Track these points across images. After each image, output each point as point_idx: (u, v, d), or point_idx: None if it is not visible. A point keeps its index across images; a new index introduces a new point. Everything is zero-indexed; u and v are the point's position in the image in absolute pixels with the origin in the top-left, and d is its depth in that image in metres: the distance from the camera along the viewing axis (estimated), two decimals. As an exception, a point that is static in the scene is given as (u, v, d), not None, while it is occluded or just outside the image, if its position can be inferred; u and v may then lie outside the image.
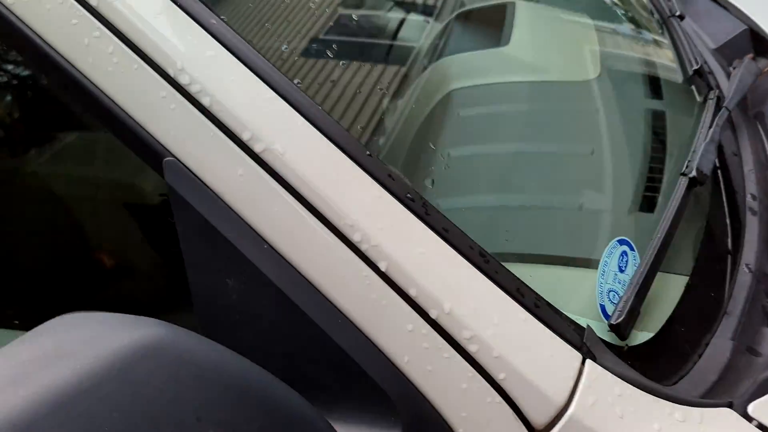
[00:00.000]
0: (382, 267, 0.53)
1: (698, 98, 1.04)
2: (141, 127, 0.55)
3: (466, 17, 1.22)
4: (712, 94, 0.99)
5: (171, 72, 0.54)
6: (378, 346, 0.54)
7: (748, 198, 0.87)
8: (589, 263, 0.74)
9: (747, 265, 0.76)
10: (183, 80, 0.54)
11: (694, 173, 0.78)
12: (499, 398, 0.54)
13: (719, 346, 0.65)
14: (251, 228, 0.54)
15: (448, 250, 0.56)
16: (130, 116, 0.55)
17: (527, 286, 0.58)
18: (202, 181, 0.54)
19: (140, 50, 0.54)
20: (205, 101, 0.54)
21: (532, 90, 1.07)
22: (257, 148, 0.53)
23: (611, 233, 0.79)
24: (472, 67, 1.13)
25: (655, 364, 0.61)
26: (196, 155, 0.54)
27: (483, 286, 0.55)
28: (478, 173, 0.88)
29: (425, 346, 0.54)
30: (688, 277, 0.73)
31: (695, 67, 1.07)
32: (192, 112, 0.54)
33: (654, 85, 1.11)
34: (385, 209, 0.55)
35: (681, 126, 1.02)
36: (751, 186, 0.88)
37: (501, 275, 0.56)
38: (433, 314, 0.53)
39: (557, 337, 0.55)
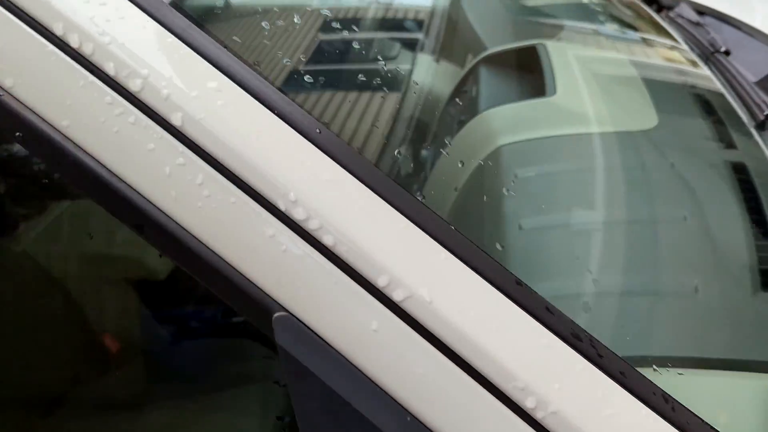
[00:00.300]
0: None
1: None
2: (243, 277, 0.43)
3: (494, 62, 1.12)
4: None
5: (282, 206, 0.42)
6: None
7: None
8: (729, 363, 0.64)
9: None
10: (297, 215, 0.42)
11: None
12: None
13: None
14: (392, 398, 0.43)
15: (629, 398, 0.45)
16: (227, 262, 0.43)
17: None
18: (324, 340, 0.43)
19: (240, 179, 0.42)
20: (327, 240, 0.42)
21: (598, 143, 0.97)
22: (397, 296, 0.42)
23: (739, 318, 0.69)
24: (520, 120, 1.03)
25: None
26: (316, 307, 0.42)
27: None
28: (566, 252, 0.78)
29: None
30: None
31: (766, 112, 0.99)
32: (310, 254, 0.42)
33: (721, 131, 1.03)
34: (553, 357, 0.44)
35: (764, 178, 0.93)
36: None
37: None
38: None
39: None
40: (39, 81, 0.42)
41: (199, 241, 0.43)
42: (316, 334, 0.43)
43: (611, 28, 1.33)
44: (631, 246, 0.78)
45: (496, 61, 1.13)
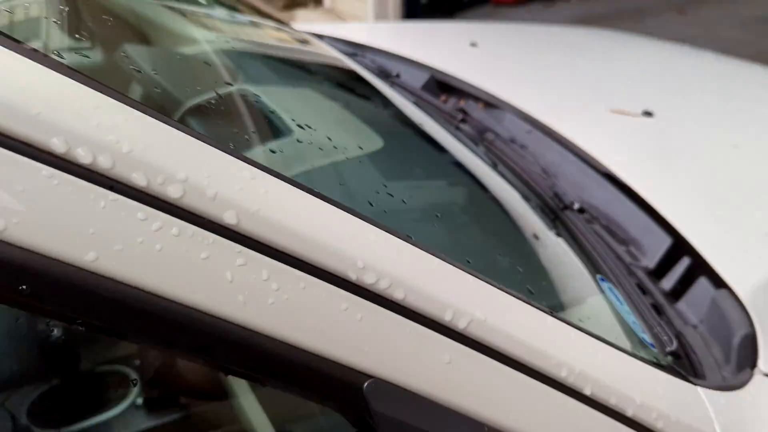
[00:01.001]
0: (587, 392, 0.52)
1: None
2: (328, 360, 0.41)
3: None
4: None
5: (352, 275, 0.42)
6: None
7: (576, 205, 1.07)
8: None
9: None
10: (369, 280, 0.42)
11: (577, 206, 0.94)
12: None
13: (690, 334, 0.82)
14: (469, 418, 0.47)
15: (621, 356, 0.58)
16: (309, 352, 0.40)
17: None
18: (413, 392, 0.44)
19: (306, 262, 0.40)
20: (397, 295, 0.43)
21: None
22: (461, 325, 0.46)
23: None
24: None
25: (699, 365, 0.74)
26: (401, 364, 0.43)
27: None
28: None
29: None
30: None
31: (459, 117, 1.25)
32: (387, 316, 0.43)
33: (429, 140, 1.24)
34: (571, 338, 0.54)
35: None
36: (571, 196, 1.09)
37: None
38: (629, 413, 0.55)
39: (685, 386, 0.63)
40: (42, 216, 0.33)
41: (276, 339, 0.39)
42: (406, 389, 0.44)
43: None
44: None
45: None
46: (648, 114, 1.34)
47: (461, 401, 0.46)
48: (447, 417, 0.46)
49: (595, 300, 0.82)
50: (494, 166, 1.09)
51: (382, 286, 0.43)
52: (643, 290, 0.89)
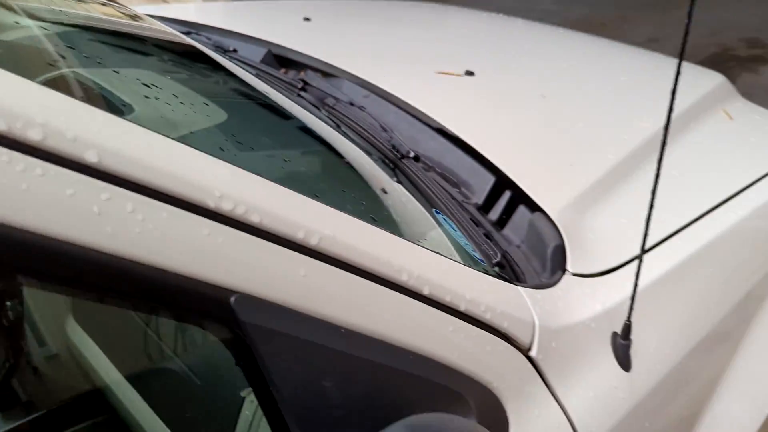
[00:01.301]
0: (426, 291, 0.62)
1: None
2: (197, 280, 0.46)
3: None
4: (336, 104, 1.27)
5: (211, 203, 0.47)
6: (439, 358, 0.64)
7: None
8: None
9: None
10: (226, 207, 0.48)
11: (412, 155, 1.05)
12: (503, 343, 0.71)
13: (515, 252, 0.96)
14: (329, 323, 0.54)
15: (454, 264, 0.68)
16: (180, 274, 0.45)
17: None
18: (276, 304, 0.51)
19: (167, 194, 0.45)
20: (254, 219, 0.49)
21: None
22: (313, 242, 0.53)
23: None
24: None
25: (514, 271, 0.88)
26: (262, 280, 0.50)
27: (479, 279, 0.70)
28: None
29: (463, 336, 0.66)
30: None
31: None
32: (245, 238, 0.49)
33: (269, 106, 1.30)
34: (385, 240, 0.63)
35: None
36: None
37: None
38: (462, 308, 0.66)
39: (507, 285, 0.75)
40: None
41: (146, 264, 0.44)
42: (269, 301, 0.50)
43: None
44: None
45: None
46: (470, 73, 1.49)
47: (318, 308, 0.54)
48: (307, 322, 0.53)
49: (434, 232, 0.93)
50: (338, 128, 1.17)
51: (239, 212, 0.49)
52: (476, 223, 1.02)
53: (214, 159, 0.50)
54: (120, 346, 1.14)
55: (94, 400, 1.21)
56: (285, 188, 0.55)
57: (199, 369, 0.93)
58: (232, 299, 0.48)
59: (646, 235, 0.78)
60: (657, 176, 0.76)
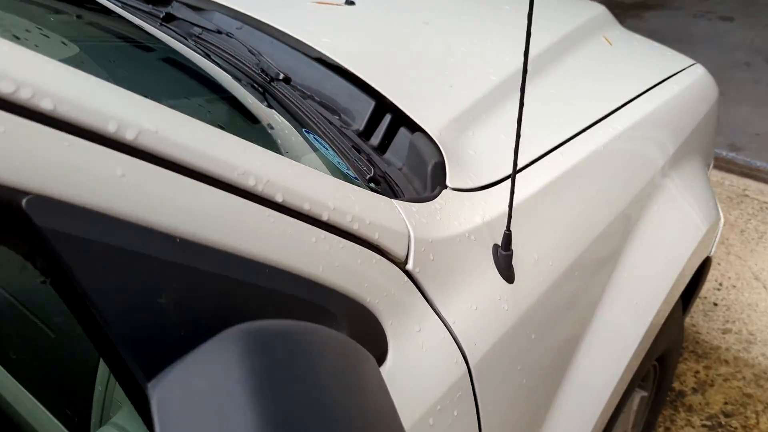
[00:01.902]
0: (279, 199, 0.56)
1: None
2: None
3: None
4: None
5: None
6: (298, 272, 0.58)
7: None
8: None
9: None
10: (6, 88, 0.39)
11: (282, 76, 0.98)
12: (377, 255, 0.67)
13: (396, 174, 0.91)
14: (155, 230, 0.47)
15: (313, 173, 0.62)
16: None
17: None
18: (85, 207, 0.43)
19: None
20: (45, 105, 0.41)
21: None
22: (129, 136, 0.45)
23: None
24: None
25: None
26: (62, 179, 0.42)
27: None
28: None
29: (328, 248, 0.61)
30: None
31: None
32: (34, 128, 0.41)
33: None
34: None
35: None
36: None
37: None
38: (324, 217, 0.60)
39: (377, 196, 0.71)
40: None
41: None
42: (73, 203, 0.43)
43: None
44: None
45: None
46: (350, 2, 1.41)
47: (145, 215, 0.46)
48: (131, 231, 0.46)
49: (309, 156, 0.87)
50: (207, 56, 1.07)
51: (23, 96, 0.40)
52: (357, 149, 0.96)
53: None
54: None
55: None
56: (93, 77, 0.46)
57: (51, 320, 0.83)
58: (24, 201, 0.40)
59: (517, 145, 0.75)
60: (523, 86, 0.73)
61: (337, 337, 0.49)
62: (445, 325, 0.74)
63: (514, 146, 0.75)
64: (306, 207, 0.58)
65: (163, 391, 0.35)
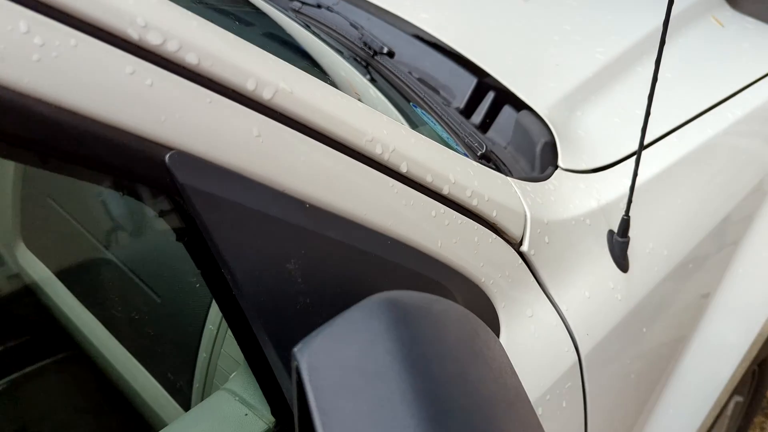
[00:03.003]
0: (403, 169, 0.54)
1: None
2: (121, 129, 0.37)
3: None
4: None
5: (134, 34, 0.38)
6: (417, 245, 0.56)
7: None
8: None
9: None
10: (154, 41, 0.38)
11: (386, 50, 0.96)
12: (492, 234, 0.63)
13: (501, 152, 0.88)
14: (291, 196, 0.46)
15: (432, 144, 0.60)
16: (97, 120, 0.36)
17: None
18: (223, 167, 0.42)
19: (73, 16, 0.36)
20: (190, 59, 0.40)
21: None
22: (266, 95, 0.44)
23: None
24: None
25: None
26: (201, 135, 0.41)
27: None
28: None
29: (447, 223, 0.58)
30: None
31: None
32: (179, 83, 0.40)
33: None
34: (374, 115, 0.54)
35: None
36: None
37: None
38: (445, 191, 0.58)
39: (495, 173, 0.67)
40: None
41: (51, 103, 0.35)
42: (213, 162, 0.42)
43: None
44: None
45: None
46: (447, -22, 1.38)
47: (279, 178, 0.45)
48: (266, 193, 0.44)
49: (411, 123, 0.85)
50: (307, 27, 1.06)
51: (170, 48, 0.39)
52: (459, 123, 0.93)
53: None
54: (76, 271, 1.05)
55: (53, 333, 1.12)
56: (228, 32, 0.45)
57: (159, 286, 0.84)
58: (168, 156, 0.39)
59: (644, 128, 0.70)
60: (656, 72, 0.67)
61: (467, 315, 0.46)
62: (557, 311, 0.70)
63: (642, 126, 0.70)
64: (428, 179, 0.56)
65: (312, 357, 0.33)
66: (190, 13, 0.43)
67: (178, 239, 0.44)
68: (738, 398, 1.52)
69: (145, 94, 0.38)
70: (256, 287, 0.44)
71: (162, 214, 0.43)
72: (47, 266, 1.07)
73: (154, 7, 0.39)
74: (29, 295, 1.10)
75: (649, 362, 0.87)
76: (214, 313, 0.76)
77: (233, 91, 0.43)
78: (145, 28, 0.38)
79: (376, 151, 0.52)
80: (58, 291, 1.07)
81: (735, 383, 1.09)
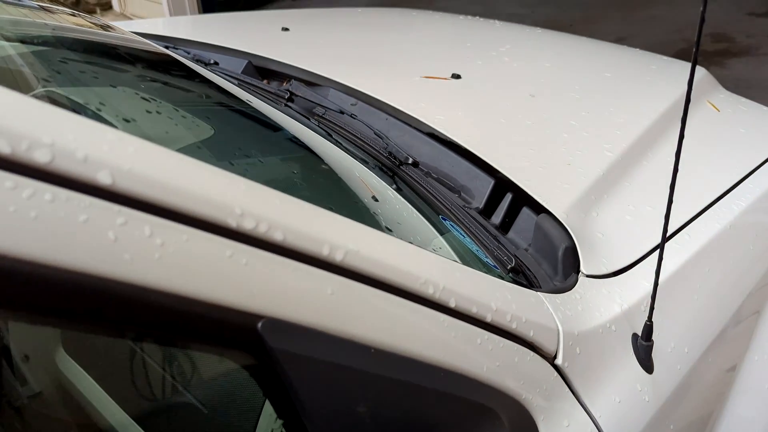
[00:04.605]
0: (452, 304, 0.59)
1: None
2: (221, 306, 0.42)
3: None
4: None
5: (232, 223, 0.43)
6: (466, 373, 0.60)
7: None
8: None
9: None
10: (248, 225, 0.44)
11: (411, 161, 1.02)
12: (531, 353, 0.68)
13: (523, 256, 0.93)
14: (359, 343, 0.51)
15: (474, 273, 0.65)
16: (203, 302, 0.41)
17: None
18: (304, 327, 0.47)
19: (185, 215, 0.41)
20: (277, 237, 0.46)
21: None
22: (338, 257, 0.49)
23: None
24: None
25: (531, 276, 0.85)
26: (289, 301, 0.46)
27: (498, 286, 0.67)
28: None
29: (490, 348, 0.63)
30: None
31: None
32: (270, 257, 0.45)
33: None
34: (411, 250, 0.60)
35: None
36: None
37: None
38: (488, 319, 0.62)
39: (528, 291, 0.72)
40: None
41: (167, 293, 0.40)
42: (297, 324, 0.46)
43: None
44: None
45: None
46: (456, 76, 1.46)
47: (347, 328, 0.50)
48: (337, 345, 0.49)
49: (437, 240, 0.90)
50: (329, 137, 1.13)
51: (261, 230, 0.45)
52: (483, 228, 0.99)
53: (230, 174, 0.47)
54: (118, 379, 1.08)
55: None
56: (302, 202, 0.51)
57: (209, 402, 0.88)
58: (259, 324, 0.44)
59: (665, 231, 0.75)
60: (675, 170, 0.74)
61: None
62: (591, 419, 0.74)
63: (661, 235, 0.76)
64: (474, 310, 0.61)
65: None
66: (273, 191, 0.49)
67: (264, 395, 0.49)
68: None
69: (241, 272, 0.44)
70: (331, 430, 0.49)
71: (249, 371, 0.47)
72: (87, 372, 1.10)
73: (246, 197, 0.45)
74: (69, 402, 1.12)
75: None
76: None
77: (311, 257, 0.48)
78: (241, 216, 0.44)
79: (429, 291, 0.57)
80: (98, 398, 1.09)
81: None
